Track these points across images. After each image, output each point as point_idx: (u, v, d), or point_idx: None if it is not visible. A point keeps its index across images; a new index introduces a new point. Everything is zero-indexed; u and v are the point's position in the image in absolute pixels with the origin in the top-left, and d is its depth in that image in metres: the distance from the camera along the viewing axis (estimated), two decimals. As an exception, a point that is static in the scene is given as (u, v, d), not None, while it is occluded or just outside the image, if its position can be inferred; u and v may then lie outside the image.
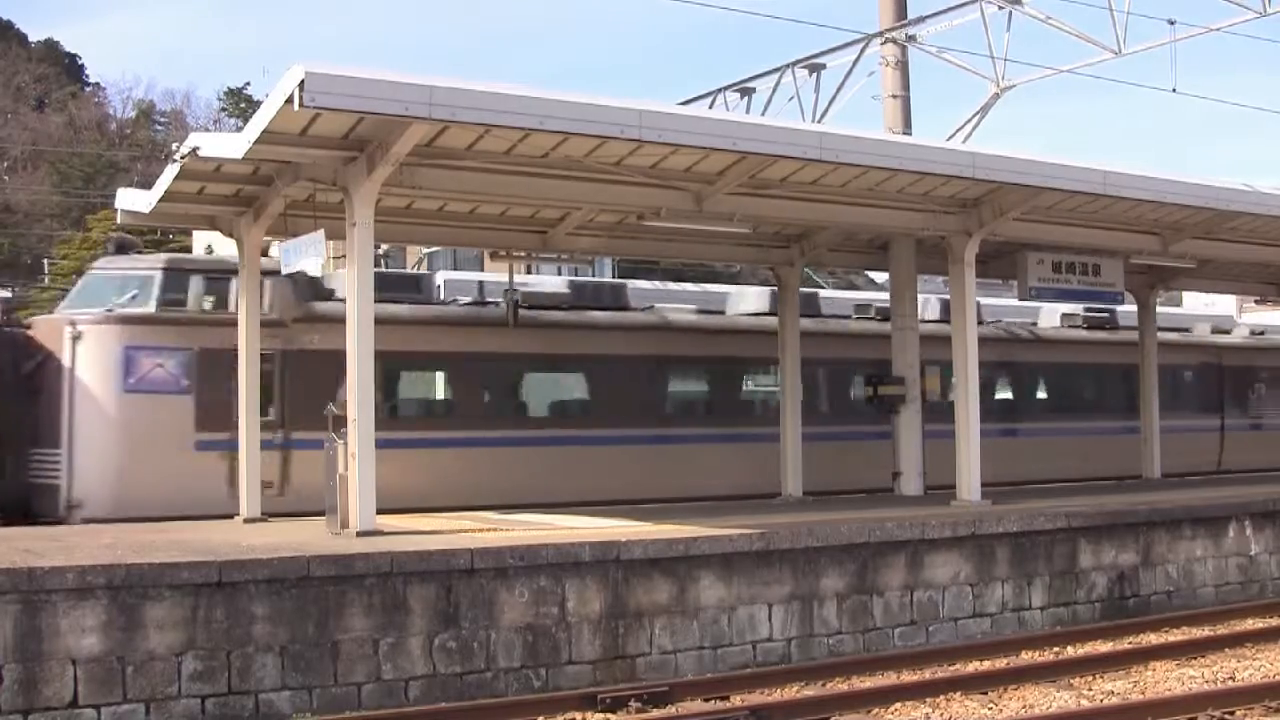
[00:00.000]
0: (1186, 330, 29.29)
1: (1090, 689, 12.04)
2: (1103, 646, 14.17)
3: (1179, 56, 45.75)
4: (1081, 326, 26.97)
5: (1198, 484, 22.64)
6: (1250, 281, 26.50)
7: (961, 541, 14.92)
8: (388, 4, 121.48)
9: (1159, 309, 25.93)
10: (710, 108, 25.19)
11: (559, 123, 13.17)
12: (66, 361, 17.73)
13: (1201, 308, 37.96)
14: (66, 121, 65.68)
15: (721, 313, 23.65)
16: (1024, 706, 11.36)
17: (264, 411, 16.89)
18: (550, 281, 24.63)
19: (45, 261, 49.65)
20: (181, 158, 14.46)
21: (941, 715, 11.11)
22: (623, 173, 15.42)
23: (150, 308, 18.29)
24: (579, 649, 12.38)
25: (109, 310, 18.18)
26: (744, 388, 23.24)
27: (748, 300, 24.01)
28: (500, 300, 20.88)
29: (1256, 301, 34.13)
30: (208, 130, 58.30)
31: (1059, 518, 15.86)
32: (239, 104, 69.56)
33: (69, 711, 10.23)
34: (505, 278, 21.32)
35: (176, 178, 15.10)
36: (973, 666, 13.08)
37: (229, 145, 13.83)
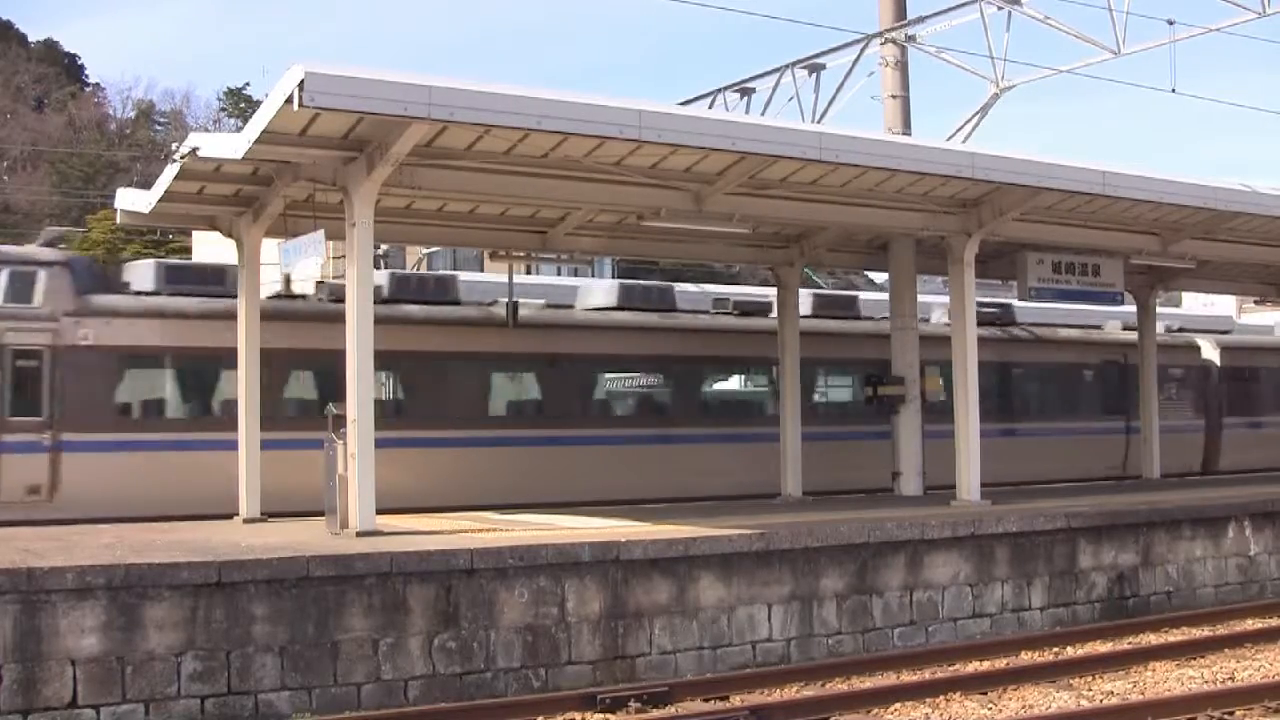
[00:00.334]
0: (1096, 327, 28.09)
1: (1090, 689, 12.04)
2: (1102, 647, 14.16)
3: (1178, 56, 45.95)
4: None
5: (1197, 484, 22.64)
6: (1249, 282, 26.52)
7: (961, 542, 14.92)
8: (387, 4, 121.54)
9: (1069, 306, 24.50)
10: (710, 108, 25.20)
11: (558, 123, 13.18)
12: None
13: (1200, 308, 37.97)
14: (66, 121, 65.67)
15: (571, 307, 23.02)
16: (1023, 707, 11.36)
17: (30, 411, 16.47)
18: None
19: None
20: (181, 158, 14.46)
21: (941, 715, 11.11)
22: (622, 173, 15.42)
23: None
24: (579, 649, 12.38)
25: None
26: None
27: (595, 295, 23.20)
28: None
29: (1256, 302, 34.10)
30: (207, 130, 58.32)
31: (1059, 518, 15.86)
32: (239, 104, 69.55)
33: (68, 711, 10.23)
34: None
35: (176, 178, 15.10)
36: (972, 667, 13.08)
37: (228, 145, 13.83)
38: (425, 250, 34.50)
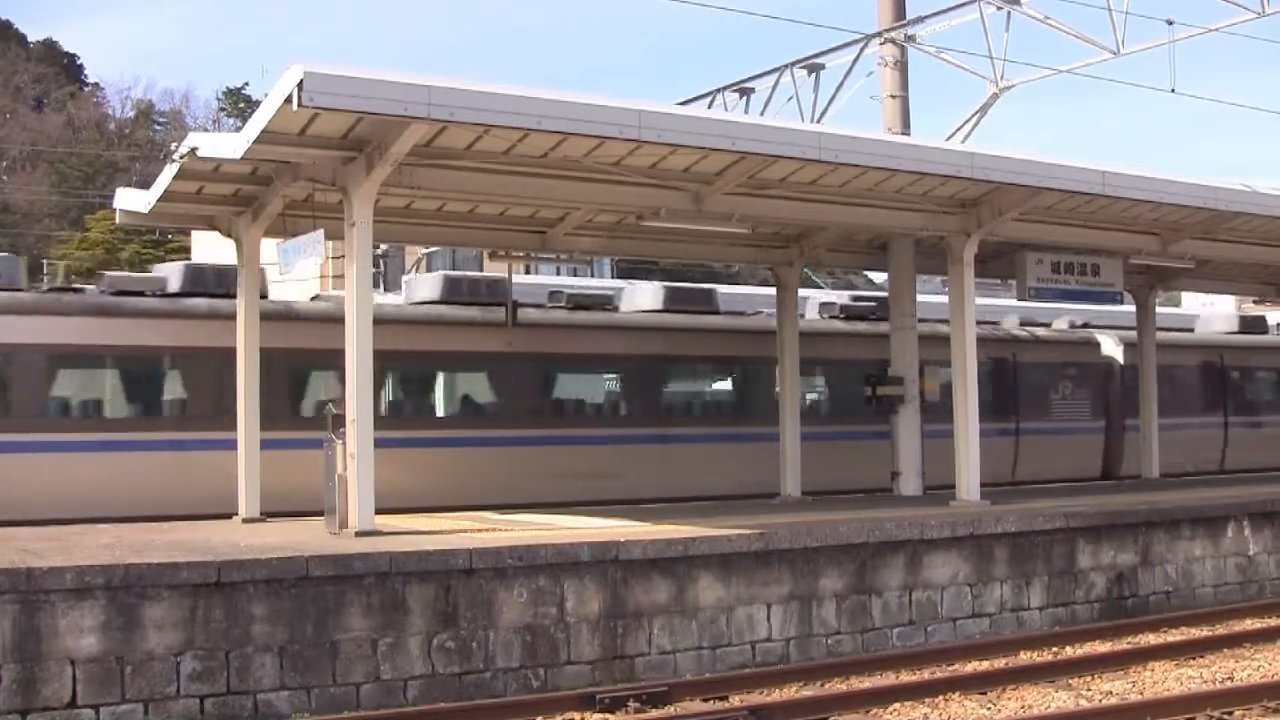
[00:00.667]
0: (994, 324, 26.07)
1: (1089, 689, 12.04)
2: (1101, 647, 14.17)
3: (1177, 56, 45.86)
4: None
5: (1196, 484, 22.63)
6: (1249, 281, 26.52)
7: (960, 542, 14.92)
8: (387, 4, 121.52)
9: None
10: (709, 108, 25.21)
11: (557, 123, 13.18)
12: None
13: (1200, 307, 37.98)
14: (65, 121, 65.73)
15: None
16: (1022, 706, 11.36)
17: None
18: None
19: (44, 262, 49.65)
20: (180, 158, 14.45)
21: (940, 715, 11.11)
22: (622, 173, 15.42)
23: None
24: (578, 649, 12.38)
25: None
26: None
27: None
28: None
29: (1255, 301, 34.09)
30: (206, 130, 58.37)
31: (1058, 518, 15.86)
32: (238, 104, 69.66)
33: (67, 711, 10.23)
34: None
35: (175, 178, 15.09)
36: (971, 666, 13.08)
37: (228, 145, 13.83)
38: (424, 250, 34.48)
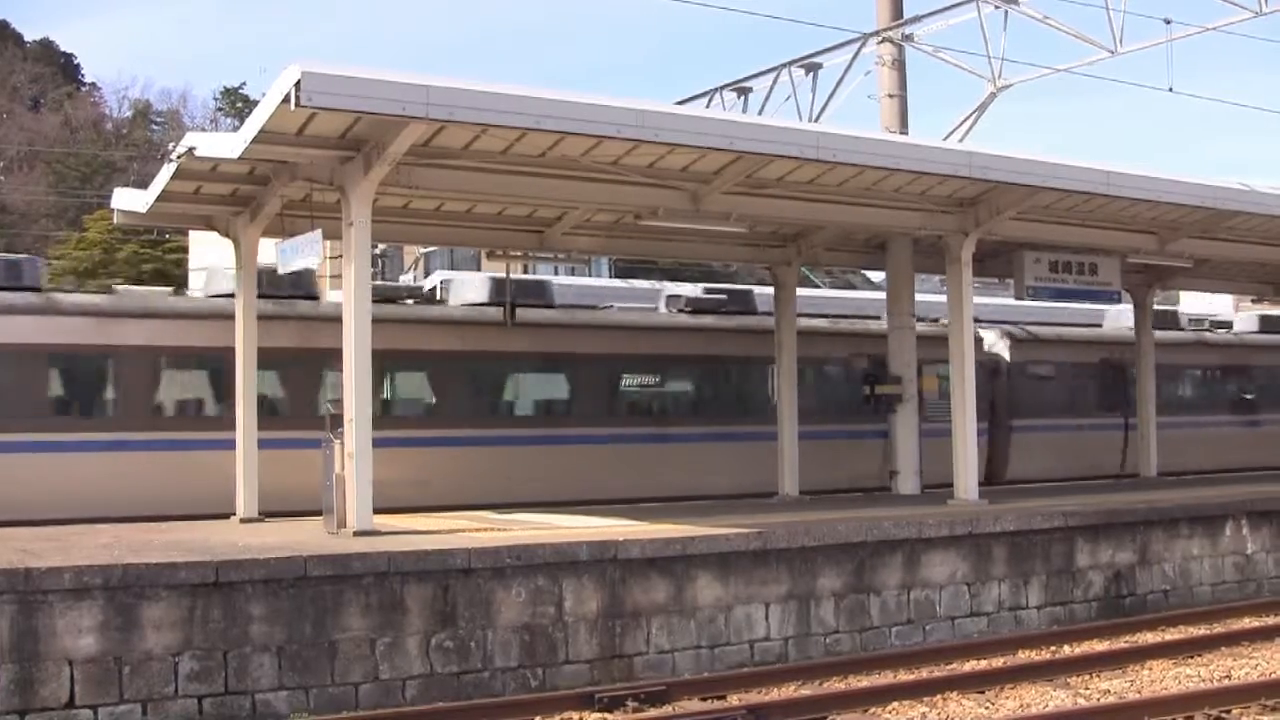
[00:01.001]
0: (839, 318, 24.83)
1: (1087, 688, 12.05)
2: (1099, 645, 14.17)
3: (1176, 56, 46.01)
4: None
5: (1194, 483, 22.64)
6: (1247, 281, 26.53)
7: (958, 540, 14.92)
8: (387, 4, 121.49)
9: (805, 292, 23.44)
10: (707, 107, 25.22)
11: (556, 122, 13.17)
12: None
13: (1199, 307, 37.97)
14: (62, 121, 65.60)
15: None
16: (1020, 705, 11.36)
17: None
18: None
19: (45, 262, 49.56)
20: (178, 157, 14.45)
21: (938, 714, 11.11)
22: (620, 172, 15.42)
23: None
24: (576, 648, 12.38)
25: None
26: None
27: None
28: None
29: (1254, 300, 34.11)
30: (204, 130, 58.32)
31: (1056, 517, 15.87)
32: (235, 103, 69.54)
33: (66, 712, 10.23)
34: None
35: (173, 177, 15.09)
36: (969, 665, 13.09)
37: (225, 145, 13.82)
38: (422, 250, 34.51)
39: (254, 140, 12.95)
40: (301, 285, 19.29)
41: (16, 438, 17.27)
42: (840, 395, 23.00)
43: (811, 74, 24.38)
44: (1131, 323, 26.81)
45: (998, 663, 13.22)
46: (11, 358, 17.52)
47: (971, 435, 17.81)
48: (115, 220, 17.82)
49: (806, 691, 11.94)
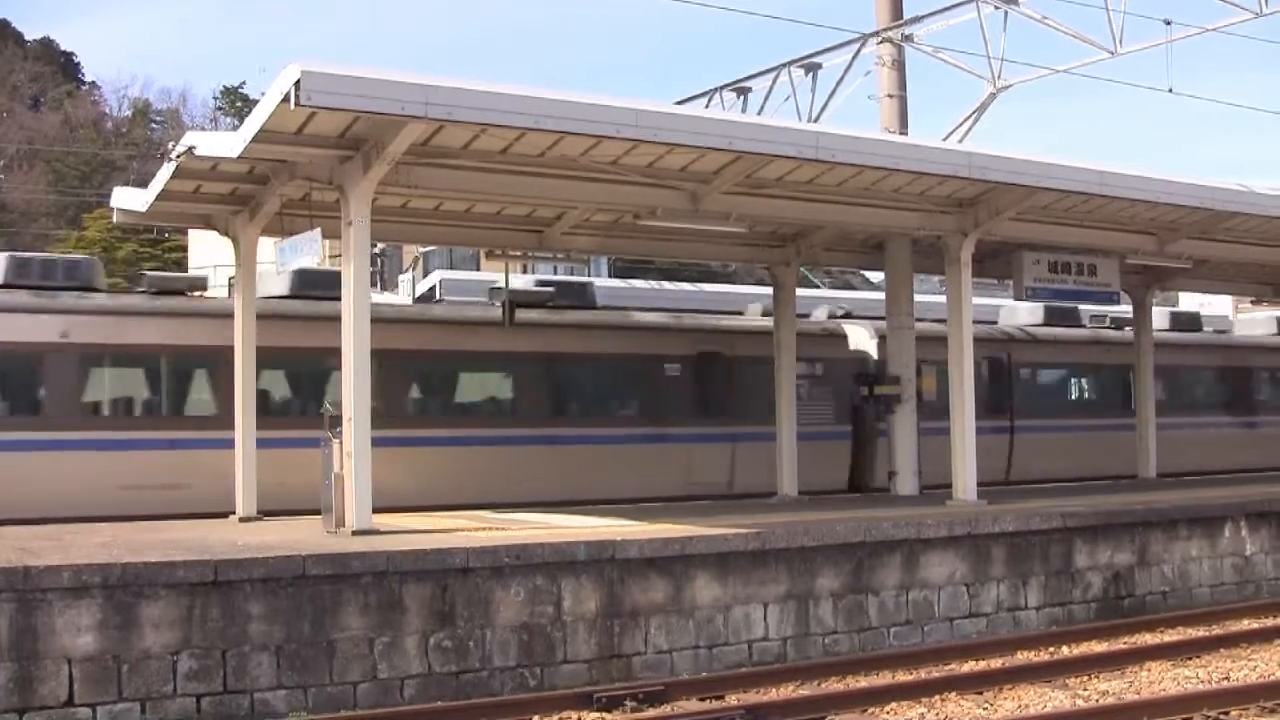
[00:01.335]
0: (684, 313, 23.26)
1: (1085, 689, 12.04)
2: (1098, 646, 14.17)
3: (1175, 56, 45.88)
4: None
5: (1193, 484, 22.64)
6: (1246, 282, 26.53)
7: (957, 541, 14.92)
8: (387, 4, 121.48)
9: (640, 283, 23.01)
10: (706, 107, 25.24)
11: (555, 122, 13.18)
12: None
13: (1198, 307, 37.97)
14: (62, 120, 65.60)
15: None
16: (1019, 706, 11.36)
17: None
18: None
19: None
20: (177, 156, 14.45)
21: (937, 715, 11.11)
22: (619, 172, 15.42)
23: None
24: (574, 648, 12.37)
25: None
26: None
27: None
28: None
29: (1253, 302, 34.12)
30: (204, 129, 58.31)
31: (1054, 518, 15.87)
32: (235, 103, 69.54)
33: (64, 710, 10.23)
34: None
35: (172, 176, 15.09)
36: (968, 666, 13.09)
37: (225, 144, 13.83)
38: (421, 249, 34.46)
39: (253, 139, 12.96)
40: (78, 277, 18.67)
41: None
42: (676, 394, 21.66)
43: (811, 74, 24.41)
44: (1026, 320, 25.55)
45: (996, 663, 13.22)
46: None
47: (970, 435, 17.79)
48: (115, 219, 17.82)
49: (805, 692, 11.94)
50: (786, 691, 11.97)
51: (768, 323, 21.36)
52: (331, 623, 11.29)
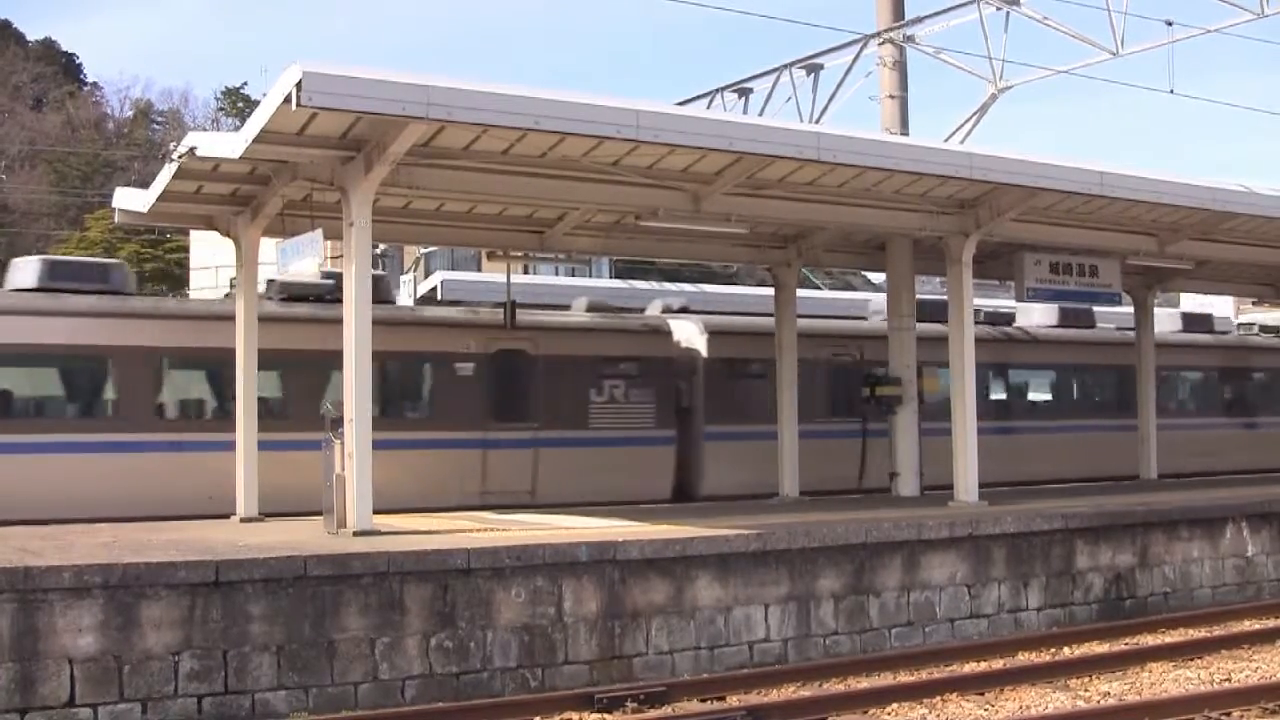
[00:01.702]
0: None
1: (1087, 690, 12.04)
2: (1099, 647, 14.17)
3: (1176, 57, 45.91)
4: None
5: (1194, 485, 22.63)
6: (1247, 282, 26.53)
7: (958, 542, 14.92)
8: (386, 3, 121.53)
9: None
10: (708, 108, 25.22)
11: (556, 123, 13.18)
12: None
13: (1197, 308, 37.95)
14: (64, 121, 65.58)
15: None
16: (1020, 707, 11.36)
17: None
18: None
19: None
20: (179, 157, 14.46)
21: (938, 716, 11.12)
22: (620, 173, 15.42)
23: None
24: (575, 649, 12.37)
25: None
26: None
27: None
28: None
29: (1254, 303, 34.11)
30: (205, 130, 58.29)
31: (1056, 519, 15.86)
32: (236, 103, 69.50)
33: (65, 710, 10.23)
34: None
35: (174, 177, 15.10)
36: (969, 667, 13.09)
37: (226, 145, 13.84)
38: (422, 250, 34.48)
39: (255, 140, 12.96)
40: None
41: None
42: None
43: (812, 75, 24.38)
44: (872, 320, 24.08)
45: (997, 664, 13.22)
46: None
47: (971, 435, 17.77)
48: (116, 219, 17.85)
49: (806, 693, 11.94)
50: (788, 692, 11.97)
51: (588, 319, 20.85)
52: (332, 623, 11.29)
